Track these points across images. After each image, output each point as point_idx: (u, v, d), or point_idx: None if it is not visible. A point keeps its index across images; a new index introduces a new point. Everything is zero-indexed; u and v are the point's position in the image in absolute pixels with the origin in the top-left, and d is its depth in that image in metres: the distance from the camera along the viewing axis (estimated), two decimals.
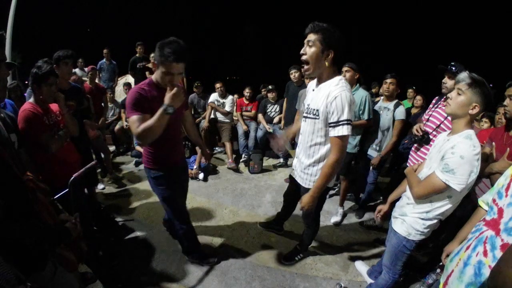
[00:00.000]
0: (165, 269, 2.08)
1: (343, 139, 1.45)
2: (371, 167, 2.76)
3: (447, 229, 1.92)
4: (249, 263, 2.18)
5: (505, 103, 1.59)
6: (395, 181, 2.23)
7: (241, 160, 4.31)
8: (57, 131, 1.85)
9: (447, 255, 1.30)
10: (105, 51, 5.55)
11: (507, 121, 1.65)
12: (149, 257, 2.19)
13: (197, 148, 3.74)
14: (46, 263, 0.95)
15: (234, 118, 4.63)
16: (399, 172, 3.22)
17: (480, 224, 1.10)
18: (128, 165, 4.12)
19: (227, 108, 4.36)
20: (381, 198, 3.25)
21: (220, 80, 4.42)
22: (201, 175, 3.68)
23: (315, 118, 1.55)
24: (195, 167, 3.67)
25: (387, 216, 1.66)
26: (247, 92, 4.52)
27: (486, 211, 1.18)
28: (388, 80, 2.61)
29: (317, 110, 1.52)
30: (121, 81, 6.53)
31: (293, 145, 3.71)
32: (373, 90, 5.17)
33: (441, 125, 1.94)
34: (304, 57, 1.47)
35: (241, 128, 4.40)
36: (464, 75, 1.23)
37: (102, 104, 3.73)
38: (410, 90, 4.89)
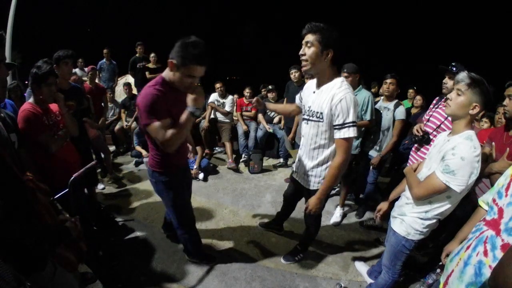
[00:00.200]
0: (165, 269, 2.08)
1: (349, 140, 1.47)
2: (371, 167, 2.76)
3: (447, 229, 1.92)
4: (249, 263, 2.18)
5: (504, 103, 1.59)
6: (395, 181, 2.23)
7: (241, 160, 4.31)
8: (57, 131, 1.85)
9: (447, 255, 1.30)
10: (105, 51, 5.55)
11: (506, 121, 1.65)
12: (149, 257, 2.19)
13: (197, 148, 3.75)
14: (46, 263, 0.95)
15: (234, 118, 4.63)
16: (399, 172, 3.22)
17: (480, 224, 1.10)
18: (128, 165, 4.12)
19: (227, 108, 4.36)
20: (381, 198, 3.25)
21: (220, 80, 4.42)
22: (201, 175, 3.68)
23: (319, 121, 1.55)
24: (195, 167, 3.67)
25: (386, 215, 1.67)
26: (247, 92, 4.52)
27: (486, 211, 1.18)
28: (388, 80, 2.61)
29: (321, 113, 1.52)
30: (121, 81, 6.54)
31: (293, 145, 3.72)
32: (373, 90, 5.17)
33: (442, 125, 1.94)
34: (303, 58, 1.48)
35: (241, 128, 4.40)
36: (463, 75, 1.23)
37: (102, 104, 3.73)
38: (411, 91, 4.89)
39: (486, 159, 1.60)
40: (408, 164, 2.15)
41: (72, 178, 1.52)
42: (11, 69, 1.11)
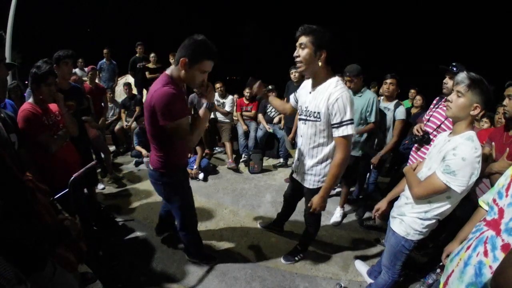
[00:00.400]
0: (165, 269, 2.08)
1: (347, 138, 1.51)
2: (371, 167, 2.76)
3: (447, 229, 1.92)
4: (249, 263, 2.18)
5: (504, 103, 1.59)
6: (395, 181, 2.23)
7: (241, 160, 4.31)
8: (57, 131, 1.85)
9: (447, 255, 1.30)
10: (105, 51, 5.55)
11: (506, 121, 1.65)
12: (149, 257, 2.19)
13: (197, 148, 3.75)
14: (46, 263, 0.95)
15: (234, 118, 4.63)
16: (399, 172, 3.22)
17: (480, 224, 1.10)
18: (128, 165, 4.12)
19: (227, 108, 4.36)
20: (381, 198, 3.25)
21: (220, 80, 4.42)
22: (201, 175, 3.68)
23: (316, 121, 1.58)
24: (195, 167, 3.67)
25: (386, 215, 1.66)
26: (247, 92, 4.52)
27: (487, 211, 1.18)
28: (388, 81, 2.61)
29: (318, 113, 1.55)
30: (121, 81, 6.54)
31: (293, 144, 3.72)
32: (372, 90, 5.16)
33: (442, 125, 1.94)
34: (298, 59, 1.53)
35: (241, 128, 4.40)
36: (462, 76, 1.23)
37: (102, 104, 3.73)
38: (412, 91, 4.88)
39: (486, 159, 1.60)
40: (408, 164, 2.15)
41: (72, 178, 1.52)
42: (11, 69, 1.11)
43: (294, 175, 1.95)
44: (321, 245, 2.45)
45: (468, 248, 1.08)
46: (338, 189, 3.42)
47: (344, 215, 2.91)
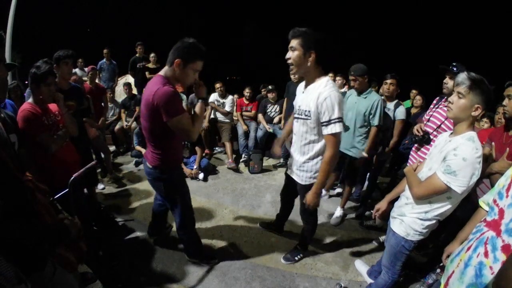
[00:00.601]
0: (165, 269, 2.08)
1: (336, 135, 1.58)
2: (371, 167, 2.76)
3: (447, 230, 1.92)
4: (249, 263, 2.18)
5: (504, 103, 1.59)
6: (395, 181, 2.23)
7: (241, 160, 4.30)
8: (57, 131, 1.85)
9: (448, 256, 1.30)
10: (105, 51, 5.55)
11: (506, 121, 1.65)
12: (149, 257, 2.19)
13: (197, 148, 3.74)
14: (46, 263, 0.95)
15: (234, 118, 4.63)
16: (399, 172, 3.22)
17: (481, 224, 1.10)
18: (128, 165, 4.12)
19: (227, 108, 4.36)
20: (381, 198, 3.25)
21: (220, 80, 4.42)
22: (201, 175, 3.67)
23: (307, 119, 1.66)
24: (195, 167, 3.66)
25: (386, 216, 1.66)
26: (247, 92, 4.52)
27: (487, 211, 1.17)
28: (389, 81, 2.62)
29: (309, 111, 1.63)
30: (121, 81, 6.54)
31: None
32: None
33: (442, 126, 1.94)
34: (289, 61, 1.60)
35: (241, 128, 4.40)
36: (462, 77, 1.22)
37: (102, 104, 3.73)
38: (414, 91, 4.87)
39: (486, 159, 1.60)
40: (408, 164, 2.15)
41: (72, 178, 1.51)
42: (11, 70, 1.11)
43: (288, 172, 2.01)
44: (321, 245, 2.45)
45: (468, 249, 1.08)
46: (338, 190, 3.43)
47: (344, 215, 2.91)
